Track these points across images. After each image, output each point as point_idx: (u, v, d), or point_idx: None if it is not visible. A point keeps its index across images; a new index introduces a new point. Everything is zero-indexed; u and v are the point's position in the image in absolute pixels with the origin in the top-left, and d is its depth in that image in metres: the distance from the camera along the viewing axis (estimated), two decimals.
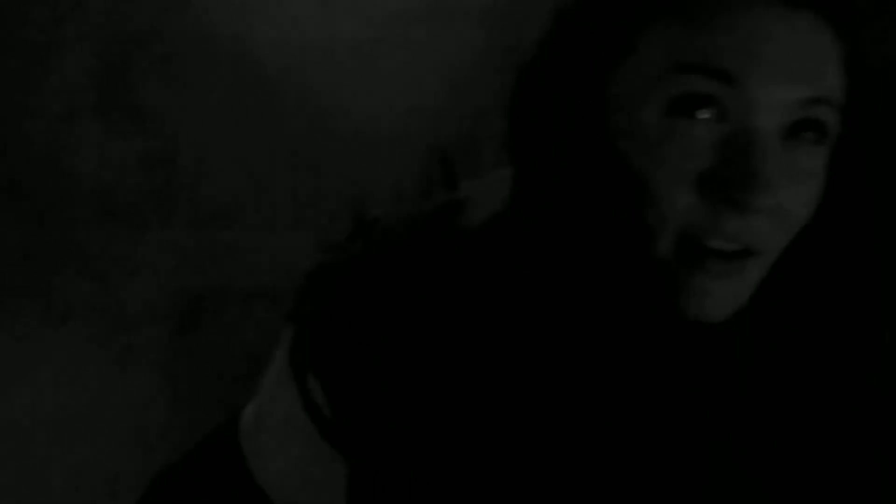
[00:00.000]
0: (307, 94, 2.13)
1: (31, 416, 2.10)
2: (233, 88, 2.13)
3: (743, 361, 0.76)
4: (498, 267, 0.74)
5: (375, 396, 0.75)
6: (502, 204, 0.76)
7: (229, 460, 0.85)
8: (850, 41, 0.72)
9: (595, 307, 0.72)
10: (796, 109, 0.68)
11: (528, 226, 0.73)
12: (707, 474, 0.74)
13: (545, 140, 0.73)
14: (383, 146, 2.11)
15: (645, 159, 0.69)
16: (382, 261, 0.78)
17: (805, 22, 0.69)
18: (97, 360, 2.13)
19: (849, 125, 0.72)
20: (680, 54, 0.68)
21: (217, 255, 2.14)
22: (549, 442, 0.73)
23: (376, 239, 0.80)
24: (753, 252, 0.70)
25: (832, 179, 0.73)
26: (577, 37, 0.72)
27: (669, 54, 0.68)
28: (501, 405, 0.73)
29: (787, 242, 0.72)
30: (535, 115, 0.73)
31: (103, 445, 2.10)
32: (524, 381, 0.73)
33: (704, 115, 0.68)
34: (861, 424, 0.77)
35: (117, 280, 2.13)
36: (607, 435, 0.73)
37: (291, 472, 0.83)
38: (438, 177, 0.85)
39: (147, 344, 2.13)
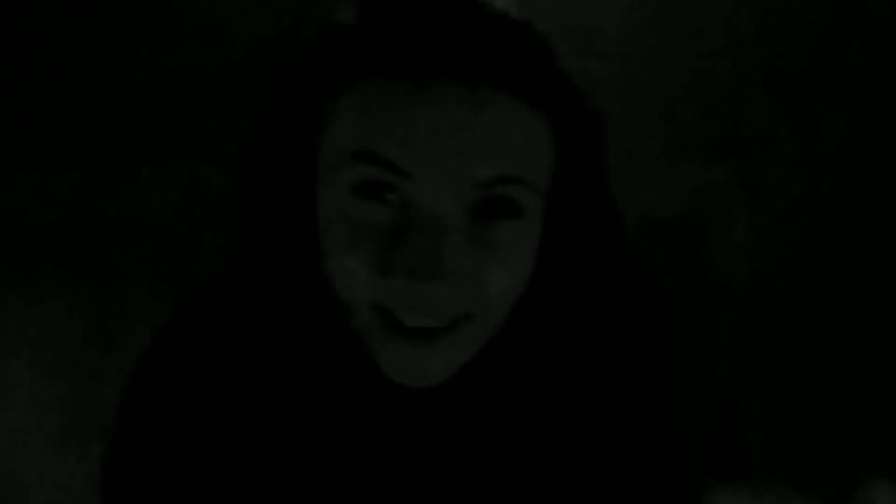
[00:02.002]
0: None
1: None
2: None
3: (466, 423, 0.78)
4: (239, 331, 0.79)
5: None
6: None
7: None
8: (555, 113, 0.71)
9: (305, 374, 0.77)
10: (479, 190, 0.69)
11: (248, 294, 0.78)
12: None
13: (263, 212, 0.75)
14: None
15: (331, 236, 0.71)
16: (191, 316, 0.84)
17: (489, 102, 0.68)
18: None
19: (565, 188, 0.74)
20: (356, 141, 0.68)
21: None
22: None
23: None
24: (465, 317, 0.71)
25: (557, 238, 0.75)
26: (279, 112, 0.74)
27: (351, 139, 0.69)
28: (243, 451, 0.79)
29: (506, 304, 0.73)
30: (256, 187, 0.76)
31: None
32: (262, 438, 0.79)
33: (385, 199, 0.69)
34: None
35: None
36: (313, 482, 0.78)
37: None
38: None
39: None
